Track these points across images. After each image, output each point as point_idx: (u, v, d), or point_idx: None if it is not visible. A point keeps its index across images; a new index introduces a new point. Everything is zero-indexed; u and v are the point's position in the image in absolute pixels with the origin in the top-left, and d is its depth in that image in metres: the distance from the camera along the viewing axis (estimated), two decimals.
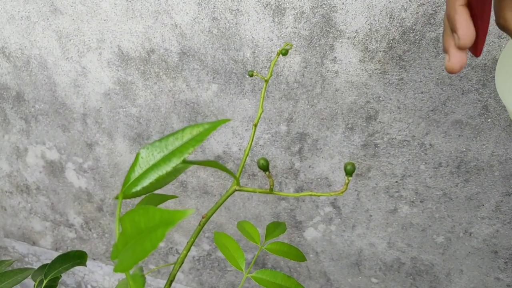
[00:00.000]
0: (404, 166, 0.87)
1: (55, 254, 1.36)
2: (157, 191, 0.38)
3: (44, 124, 1.08)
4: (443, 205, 0.89)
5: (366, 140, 0.86)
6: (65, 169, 1.14)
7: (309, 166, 0.93)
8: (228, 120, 0.28)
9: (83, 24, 0.90)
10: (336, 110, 0.85)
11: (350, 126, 0.86)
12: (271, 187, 0.32)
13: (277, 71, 0.84)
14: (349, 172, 0.31)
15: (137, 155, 0.29)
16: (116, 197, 0.29)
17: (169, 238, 1.17)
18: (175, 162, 0.28)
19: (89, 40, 0.92)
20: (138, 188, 0.28)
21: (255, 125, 0.35)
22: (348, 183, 0.31)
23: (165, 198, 0.35)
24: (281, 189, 0.99)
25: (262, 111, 0.35)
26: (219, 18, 0.81)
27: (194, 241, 0.35)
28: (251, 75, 0.37)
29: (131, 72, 0.93)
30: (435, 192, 0.88)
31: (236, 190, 0.33)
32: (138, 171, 0.29)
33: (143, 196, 0.39)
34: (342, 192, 0.31)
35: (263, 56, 0.83)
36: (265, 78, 0.35)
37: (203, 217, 0.34)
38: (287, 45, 0.35)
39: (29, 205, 1.26)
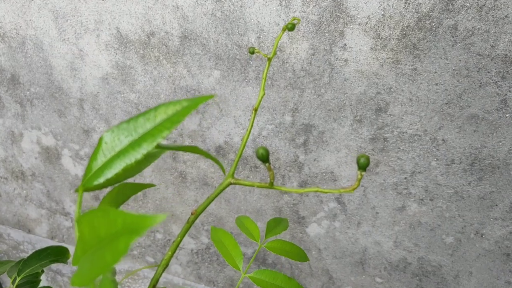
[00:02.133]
0: (414, 162, 0.82)
1: (51, 243, 1.32)
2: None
3: (40, 108, 1.04)
4: (454, 204, 0.84)
5: (375, 133, 0.82)
6: (61, 156, 1.10)
7: (314, 160, 0.89)
8: (211, 96, 0.23)
9: (81, 4, 0.86)
10: (344, 101, 0.80)
11: (358, 118, 0.81)
12: (272, 181, 0.27)
13: (283, 58, 0.79)
14: (362, 166, 0.26)
15: (100, 140, 0.24)
16: (76, 190, 0.24)
17: (167, 230, 1.14)
18: (145, 148, 0.23)
19: (87, 21, 0.87)
20: (101, 180, 0.23)
21: (255, 110, 0.31)
22: (360, 178, 0.27)
23: (139, 187, 0.31)
24: (284, 183, 0.94)
25: (264, 94, 0.31)
26: (223, 0, 0.77)
27: (180, 241, 0.31)
28: (252, 52, 0.32)
29: (130, 56, 0.88)
30: (446, 190, 0.83)
31: (230, 184, 0.29)
32: (101, 159, 0.24)
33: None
34: (353, 189, 0.27)
35: (268, 42, 0.78)
36: (268, 56, 0.31)
37: (192, 213, 0.30)
38: (294, 19, 0.31)
39: (25, 191, 1.23)
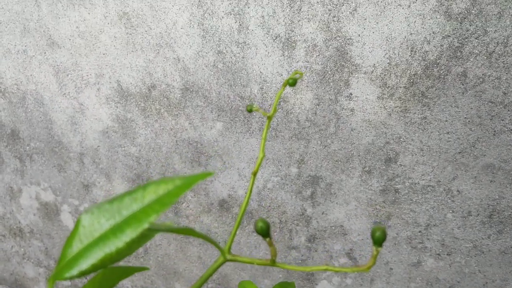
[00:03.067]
0: (429, 214, 0.78)
1: None
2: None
3: (39, 163, 1.01)
4: (473, 259, 0.79)
5: (386, 184, 0.78)
6: (61, 212, 1.07)
7: (322, 213, 0.85)
8: (209, 174, 0.20)
9: (81, 58, 0.85)
10: (352, 152, 0.77)
11: (367, 169, 0.78)
12: (273, 257, 0.24)
13: (287, 108, 0.77)
14: (378, 241, 0.23)
15: (77, 222, 0.21)
16: (49, 280, 0.21)
17: (170, 287, 1.08)
18: (129, 235, 0.20)
19: (87, 75, 0.86)
20: (74, 272, 0.20)
21: (254, 174, 0.27)
22: (376, 255, 0.23)
23: (129, 271, 0.27)
24: (292, 238, 0.90)
25: (264, 156, 0.28)
26: (224, 51, 0.75)
27: None
28: (250, 110, 0.29)
29: (130, 108, 0.87)
30: (464, 244, 0.78)
31: (226, 261, 0.25)
32: (76, 246, 0.20)
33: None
34: (368, 268, 0.23)
35: (271, 93, 0.76)
36: (268, 114, 0.28)
37: None
38: (296, 73, 0.28)
39: (22, 249, 1.18)
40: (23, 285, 1.26)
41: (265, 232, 0.23)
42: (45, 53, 0.87)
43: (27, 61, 0.89)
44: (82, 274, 0.20)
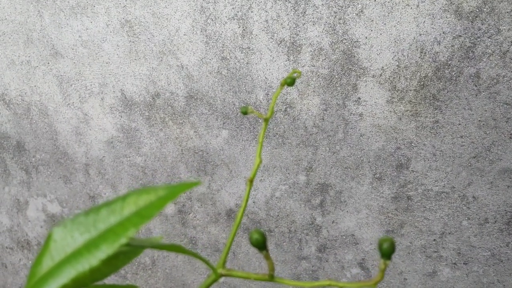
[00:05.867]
0: (443, 222, 0.75)
1: None
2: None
3: (45, 175, 1.00)
4: (491, 268, 0.76)
5: (397, 191, 0.75)
6: None
7: (333, 222, 0.82)
8: (195, 184, 0.18)
9: (85, 68, 0.84)
10: (362, 158, 0.74)
11: (378, 175, 0.75)
12: (271, 272, 0.22)
13: (293, 114, 0.75)
14: (386, 253, 0.21)
15: (48, 236, 0.19)
16: None
17: None
18: (104, 251, 0.17)
19: (91, 85, 0.85)
20: None
21: (251, 181, 0.25)
22: (384, 269, 0.21)
23: None
24: (301, 248, 0.87)
25: (260, 162, 0.26)
26: (228, 57, 0.74)
27: None
28: (245, 113, 0.27)
29: (135, 118, 0.85)
30: (482, 253, 0.75)
31: (221, 276, 0.23)
32: (47, 264, 0.18)
33: None
34: (375, 283, 0.21)
35: (278, 98, 0.74)
36: (264, 117, 0.26)
37: None
38: (294, 72, 0.26)
39: (30, 262, 1.17)
40: None
41: (261, 244, 0.21)
42: (48, 63, 0.86)
43: (31, 71, 0.88)
44: None
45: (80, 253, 0.18)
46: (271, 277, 0.22)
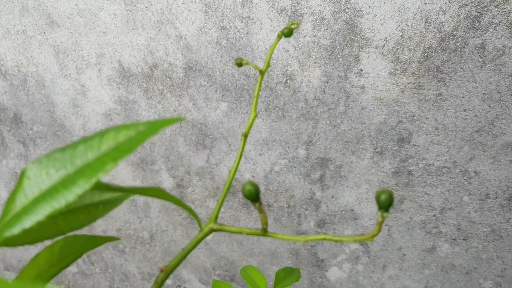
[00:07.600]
0: (444, 197, 0.74)
1: None
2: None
3: (43, 148, 0.99)
4: (491, 244, 0.75)
5: (398, 166, 0.74)
6: None
7: (332, 196, 0.81)
8: (176, 120, 0.17)
9: (81, 38, 0.82)
10: (363, 132, 0.73)
11: (379, 150, 0.74)
12: (264, 226, 0.21)
13: (294, 87, 0.73)
14: (384, 205, 0.20)
15: (22, 173, 0.18)
16: None
17: (177, 275, 1.06)
18: (82, 186, 0.16)
19: (88, 55, 0.83)
20: (15, 230, 0.17)
21: (245, 136, 0.24)
22: (382, 222, 0.20)
23: (98, 241, 0.23)
24: (300, 222, 0.86)
25: (256, 116, 0.25)
26: (228, 27, 0.72)
27: None
28: (240, 64, 0.26)
29: (133, 90, 0.84)
30: (482, 229, 0.74)
31: (213, 230, 0.22)
32: (20, 201, 0.17)
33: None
34: (372, 237, 0.20)
35: (278, 70, 0.73)
36: (260, 69, 0.25)
37: (161, 271, 0.23)
38: (293, 23, 0.25)
39: None
40: None
41: (253, 196, 0.20)
42: (44, 33, 0.84)
43: (26, 41, 0.87)
44: (27, 235, 0.17)
45: (56, 189, 0.17)
46: (264, 232, 0.21)
